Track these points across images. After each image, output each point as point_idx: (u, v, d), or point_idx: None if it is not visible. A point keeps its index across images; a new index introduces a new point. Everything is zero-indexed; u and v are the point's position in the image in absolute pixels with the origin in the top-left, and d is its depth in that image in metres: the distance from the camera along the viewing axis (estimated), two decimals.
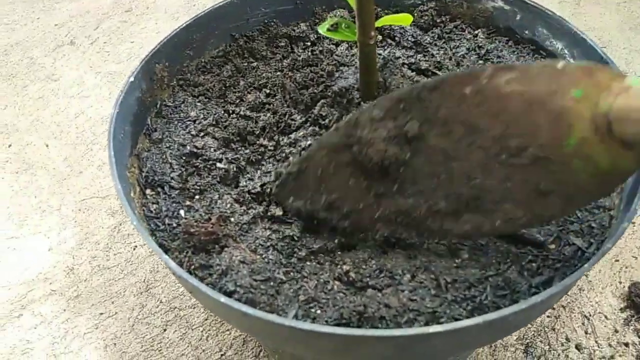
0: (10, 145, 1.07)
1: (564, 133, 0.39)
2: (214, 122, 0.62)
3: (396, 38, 0.72)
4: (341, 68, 0.58)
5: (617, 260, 0.83)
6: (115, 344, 0.78)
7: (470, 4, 0.70)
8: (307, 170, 0.49)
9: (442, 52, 0.69)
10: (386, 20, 0.52)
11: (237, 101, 0.65)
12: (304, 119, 0.56)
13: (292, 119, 0.57)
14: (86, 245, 0.90)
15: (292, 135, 0.55)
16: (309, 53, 0.63)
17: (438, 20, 0.72)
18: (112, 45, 1.27)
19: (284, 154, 0.55)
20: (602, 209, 0.51)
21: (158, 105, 0.64)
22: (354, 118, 0.45)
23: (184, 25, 0.65)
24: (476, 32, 0.70)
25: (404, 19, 0.51)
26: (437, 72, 0.61)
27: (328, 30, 0.50)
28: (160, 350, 0.77)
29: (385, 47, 0.70)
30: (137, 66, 0.61)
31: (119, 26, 1.32)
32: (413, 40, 0.71)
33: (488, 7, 0.69)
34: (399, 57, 0.63)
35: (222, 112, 0.64)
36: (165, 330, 0.79)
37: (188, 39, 0.67)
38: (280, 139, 0.57)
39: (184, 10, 1.34)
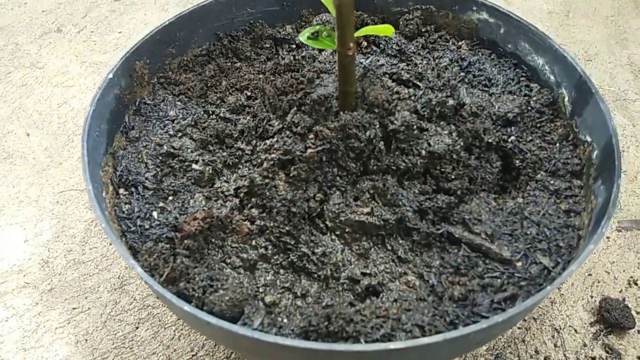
0: None
1: None
2: (192, 123, 0.62)
3: (381, 45, 0.72)
4: (322, 75, 0.58)
5: (589, 275, 0.84)
6: (86, 339, 0.78)
7: (455, 14, 0.71)
8: None
9: (425, 61, 0.69)
10: (367, 30, 0.52)
11: (218, 102, 0.65)
12: (281, 125, 0.56)
13: (270, 125, 0.57)
14: (62, 238, 0.90)
15: (268, 142, 0.55)
16: (292, 58, 0.63)
17: (423, 30, 0.72)
18: (99, 34, 1.26)
19: (259, 160, 0.55)
20: (572, 228, 0.51)
21: (137, 103, 0.64)
22: None
23: (167, 22, 0.65)
24: (460, 43, 0.71)
25: (385, 30, 0.51)
26: (418, 82, 0.61)
27: (308, 38, 0.50)
28: (131, 348, 0.77)
29: (369, 55, 0.70)
30: (117, 63, 0.60)
31: (107, 15, 1.31)
32: (397, 48, 0.71)
33: (473, 19, 0.69)
34: (382, 65, 0.63)
35: (202, 112, 0.64)
36: (137, 327, 0.79)
37: (171, 36, 0.67)
38: (258, 143, 0.57)
39: (174, 2, 1.34)
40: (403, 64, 0.69)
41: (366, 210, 0.51)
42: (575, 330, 0.78)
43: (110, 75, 0.58)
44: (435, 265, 0.50)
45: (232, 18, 0.70)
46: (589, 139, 0.57)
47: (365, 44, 0.73)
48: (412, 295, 0.48)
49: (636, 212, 0.91)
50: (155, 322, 0.78)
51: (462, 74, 0.67)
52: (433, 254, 0.51)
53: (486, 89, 0.65)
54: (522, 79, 0.66)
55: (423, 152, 0.53)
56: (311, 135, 0.52)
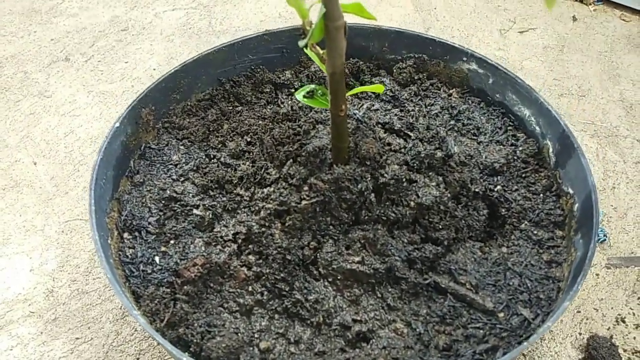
0: None
1: None
2: (194, 168, 0.65)
3: (375, 92, 0.76)
4: (318, 126, 0.62)
5: (578, 312, 0.86)
6: None
7: (447, 64, 0.74)
8: None
9: (417, 108, 0.72)
10: (359, 89, 0.55)
11: (219, 146, 0.68)
12: (278, 175, 0.59)
13: (268, 173, 0.60)
14: (67, 268, 0.92)
15: (266, 190, 0.58)
16: (290, 108, 0.66)
17: (416, 77, 0.75)
18: (106, 64, 1.30)
19: (257, 207, 0.58)
20: (552, 280, 0.54)
21: (142, 148, 0.67)
22: None
23: (173, 70, 0.69)
24: (451, 91, 0.74)
25: (376, 88, 0.55)
26: (409, 132, 0.64)
27: (304, 97, 0.54)
28: None
29: (364, 100, 0.74)
30: (124, 111, 0.63)
31: (114, 45, 1.34)
32: (391, 94, 0.74)
33: (463, 69, 0.73)
34: (377, 110, 0.67)
35: (204, 156, 0.67)
36: (138, 359, 0.81)
37: (176, 83, 0.70)
38: (256, 190, 0.60)
39: (180, 33, 1.38)
40: (396, 109, 0.73)
41: (357, 259, 0.55)
42: None
43: (117, 124, 0.61)
44: (423, 314, 0.53)
45: (234, 64, 0.73)
46: (571, 191, 0.60)
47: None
48: (400, 343, 0.51)
49: (625, 250, 0.93)
50: (156, 353, 0.81)
51: (452, 122, 0.70)
52: (421, 302, 0.54)
53: (475, 137, 0.68)
54: (509, 128, 0.69)
55: (412, 204, 0.56)
56: (306, 187, 0.55)
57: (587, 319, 0.86)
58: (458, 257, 0.56)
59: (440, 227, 0.57)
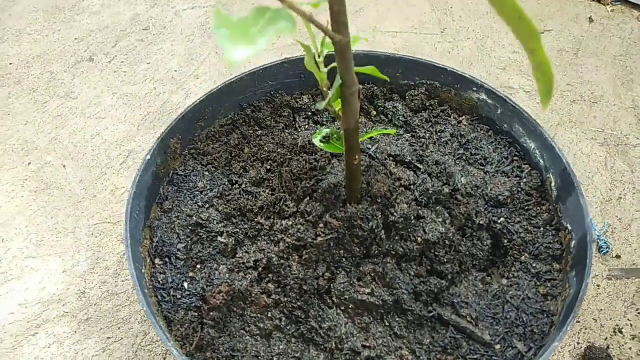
0: (29, 164, 1.16)
1: None
2: (218, 195, 0.71)
3: (389, 116, 0.80)
4: (333, 161, 0.67)
5: (578, 322, 0.92)
6: None
7: (458, 91, 0.78)
8: None
9: (428, 135, 0.77)
10: (371, 134, 0.60)
11: (241, 172, 0.74)
12: (295, 208, 0.65)
13: (287, 205, 0.66)
14: (97, 270, 1.00)
15: (284, 223, 0.64)
16: (306, 136, 0.71)
17: (427, 104, 0.80)
18: (129, 65, 1.35)
19: (276, 238, 0.64)
20: (546, 314, 0.59)
21: (170, 175, 0.73)
22: None
23: (198, 102, 0.74)
24: (461, 118, 0.78)
25: (389, 132, 0.60)
26: (419, 165, 0.69)
27: (321, 141, 0.59)
28: None
29: (378, 124, 0.78)
30: (154, 144, 0.69)
31: (137, 45, 1.39)
32: (404, 120, 0.79)
33: (473, 98, 0.77)
34: (387, 147, 0.71)
35: (227, 182, 0.73)
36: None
37: (201, 112, 0.75)
38: (276, 221, 0.66)
39: (199, 33, 1.41)
40: (408, 134, 0.78)
41: (368, 290, 0.60)
42: None
43: (149, 157, 0.67)
44: (426, 343, 0.59)
45: (254, 90, 0.78)
46: (569, 227, 0.64)
47: (374, 113, 0.81)
48: None
49: (627, 261, 0.98)
50: None
51: (461, 150, 0.74)
52: (425, 332, 0.60)
53: (482, 167, 0.72)
54: (515, 158, 0.73)
55: (419, 240, 0.61)
56: (321, 225, 0.60)
57: (586, 329, 0.91)
58: (461, 290, 0.61)
59: (445, 260, 0.62)
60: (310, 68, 0.50)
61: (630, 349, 0.89)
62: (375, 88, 0.81)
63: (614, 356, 0.88)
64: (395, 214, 0.61)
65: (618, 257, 0.98)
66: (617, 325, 0.91)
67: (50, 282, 0.98)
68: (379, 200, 0.62)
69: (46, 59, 1.37)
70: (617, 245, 1.00)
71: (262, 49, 0.29)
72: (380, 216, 0.61)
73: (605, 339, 0.90)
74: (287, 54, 1.36)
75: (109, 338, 0.92)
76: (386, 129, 0.77)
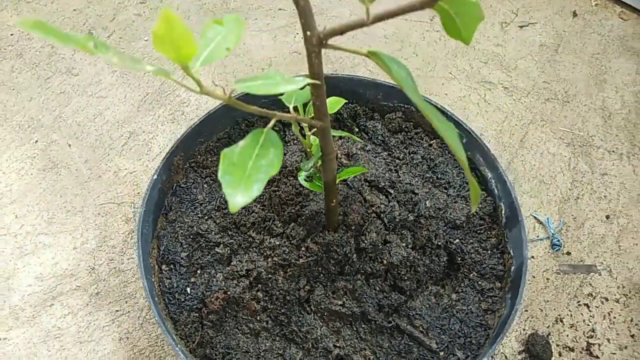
0: (36, 141, 1.27)
1: None
2: (216, 208, 0.84)
3: (369, 133, 0.92)
4: None
5: (526, 311, 1.08)
6: (127, 337, 1.04)
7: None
8: None
9: (402, 155, 0.89)
10: (347, 172, 0.72)
11: None
12: (282, 229, 0.78)
13: (275, 224, 0.79)
14: (104, 248, 1.13)
15: (272, 240, 0.77)
16: (295, 163, 0.83)
17: (404, 126, 0.91)
18: (127, 41, 1.42)
19: (266, 253, 0.77)
20: (484, 327, 0.75)
21: (174, 187, 0.85)
22: None
23: (198, 121, 0.84)
24: (432, 141, 0.90)
25: (360, 170, 0.72)
26: (390, 190, 0.82)
27: (305, 180, 0.71)
28: (162, 347, 1.03)
29: (355, 144, 0.90)
30: (159, 164, 0.81)
31: (134, 20, 1.46)
32: (382, 139, 0.91)
33: None
34: (369, 151, 0.83)
35: (224, 194, 0.85)
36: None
37: (201, 129, 0.86)
38: (265, 237, 0.79)
39: (195, 9, 1.48)
40: (385, 152, 0.90)
41: (340, 302, 0.75)
42: (506, 357, 1.03)
43: (155, 176, 0.78)
44: (385, 347, 0.74)
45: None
46: (512, 252, 0.78)
47: (357, 129, 0.93)
48: None
49: (576, 258, 1.13)
50: None
51: (429, 173, 0.87)
52: (384, 338, 0.75)
53: (445, 190, 0.85)
54: None
55: (384, 261, 0.75)
56: (303, 248, 0.74)
57: (531, 317, 1.07)
58: (416, 303, 0.76)
59: (405, 278, 0.76)
60: (296, 133, 0.62)
61: (567, 335, 1.06)
62: (358, 107, 0.92)
63: (552, 342, 1.05)
64: (365, 241, 0.74)
65: (568, 253, 1.13)
66: (559, 315, 1.07)
67: (62, 257, 1.12)
68: (353, 228, 0.75)
69: None
70: (569, 242, 1.14)
71: (257, 194, 0.40)
72: (353, 242, 0.74)
73: (547, 327, 1.06)
74: (281, 35, 1.44)
75: (117, 311, 1.07)
76: (366, 142, 0.88)
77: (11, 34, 1.44)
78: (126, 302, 1.08)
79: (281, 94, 0.58)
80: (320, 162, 0.63)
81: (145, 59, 1.38)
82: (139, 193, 1.18)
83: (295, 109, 0.62)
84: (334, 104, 0.67)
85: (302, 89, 0.51)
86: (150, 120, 1.29)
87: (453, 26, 0.49)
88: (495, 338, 0.69)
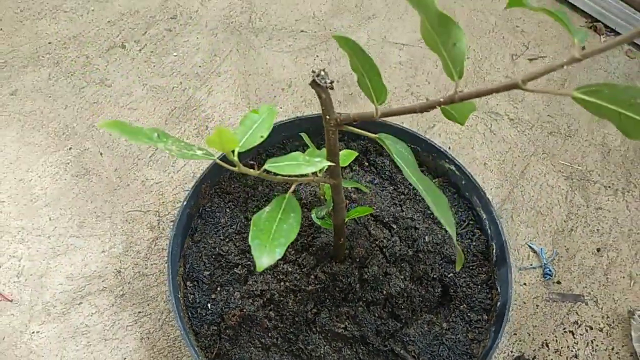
0: (70, 148, 1.38)
1: None
2: (237, 231, 0.94)
3: (378, 168, 1.02)
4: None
5: (515, 334, 1.18)
6: (148, 337, 1.16)
7: (434, 158, 0.99)
8: None
9: (406, 190, 0.99)
10: (356, 212, 0.82)
11: (255, 210, 0.97)
12: (294, 257, 0.88)
13: (288, 251, 0.89)
14: (130, 253, 1.25)
15: (285, 267, 0.88)
16: (308, 194, 0.94)
17: None
18: (158, 55, 1.53)
19: (279, 277, 0.88)
20: (469, 356, 0.85)
21: (199, 210, 0.96)
22: None
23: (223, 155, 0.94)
24: (435, 180, 1.00)
25: (365, 210, 0.82)
26: (394, 225, 0.92)
27: (317, 218, 0.81)
28: (180, 348, 1.14)
29: (368, 174, 1.00)
30: (189, 191, 0.91)
31: (165, 35, 1.56)
32: (389, 174, 1.01)
33: (445, 166, 0.98)
34: (377, 184, 0.93)
35: (244, 219, 0.96)
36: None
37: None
38: (279, 262, 0.90)
39: (222, 27, 1.58)
40: (392, 187, 1.00)
41: (342, 325, 0.85)
42: None
43: (185, 202, 0.89)
44: None
45: (270, 140, 0.99)
46: (499, 289, 0.88)
47: (367, 164, 1.03)
48: None
49: (565, 287, 1.22)
50: None
51: (429, 210, 0.97)
52: (380, 359, 0.86)
53: (444, 227, 0.95)
54: (470, 222, 0.96)
55: (384, 292, 0.86)
56: (312, 276, 0.84)
57: (520, 341, 1.18)
58: (411, 330, 0.86)
59: (402, 307, 0.87)
60: (325, 192, 0.72)
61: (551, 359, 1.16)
62: (369, 145, 1.02)
63: None
64: (368, 273, 0.85)
65: (559, 282, 1.23)
66: (546, 340, 1.18)
67: (91, 260, 1.24)
68: (358, 260, 0.85)
69: (81, 40, 1.55)
70: (560, 272, 1.24)
71: (279, 257, 0.51)
72: (357, 273, 0.85)
73: (534, 350, 1.16)
74: (302, 57, 1.53)
75: (139, 312, 1.18)
76: (374, 177, 0.99)
77: (49, 43, 1.55)
78: (148, 305, 1.19)
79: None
80: (331, 208, 0.74)
81: (173, 74, 1.49)
82: (163, 202, 1.29)
83: None
84: (347, 157, 0.78)
85: (319, 171, 0.61)
86: (176, 134, 1.39)
87: (450, 115, 0.59)
88: None
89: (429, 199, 0.55)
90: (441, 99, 0.52)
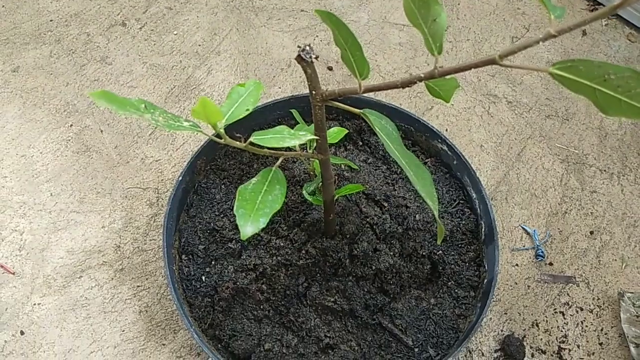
0: (71, 125, 1.41)
1: None
2: (231, 207, 0.97)
3: (371, 148, 1.04)
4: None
5: (505, 313, 1.21)
6: (146, 310, 1.19)
7: (427, 138, 1.01)
8: None
9: (399, 170, 1.01)
10: (346, 189, 0.85)
11: None
12: (286, 232, 0.91)
13: (281, 227, 0.92)
14: (129, 229, 1.28)
15: (278, 242, 0.91)
16: (301, 172, 0.96)
17: (404, 143, 1.03)
18: (158, 34, 1.55)
19: (271, 252, 0.91)
20: (455, 330, 0.88)
21: (195, 186, 0.99)
22: None
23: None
24: (427, 160, 1.02)
25: (357, 187, 0.85)
26: (385, 203, 0.95)
27: (308, 194, 0.84)
28: (176, 321, 1.18)
29: (362, 152, 1.03)
30: (184, 167, 0.94)
31: (165, 13, 1.58)
32: (382, 154, 1.03)
33: (437, 146, 1.00)
34: (370, 163, 0.96)
35: None
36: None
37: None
38: (272, 237, 0.93)
39: (223, 5, 1.60)
40: (385, 166, 1.02)
41: (332, 299, 0.89)
42: (483, 354, 1.17)
43: (180, 178, 0.92)
44: (368, 340, 0.88)
45: (266, 117, 1.02)
46: (486, 266, 0.91)
47: (360, 143, 1.05)
48: (352, 356, 0.87)
49: (557, 268, 1.25)
50: None
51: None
52: (368, 332, 0.89)
53: None
54: (461, 201, 0.99)
55: (373, 267, 0.89)
56: (304, 251, 0.87)
57: (510, 320, 1.21)
58: (399, 305, 0.89)
59: (391, 282, 0.90)
60: (314, 165, 0.75)
61: (540, 339, 1.19)
62: (364, 124, 1.04)
63: (527, 344, 1.18)
64: (358, 249, 0.88)
65: (550, 264, 1.25)
66: (536, 320, 1.20)
67: (91, 234, 1.27)
68: (348, 236, 0.88)
69: (83, 18, 1.57)
70: (552, 254, 1.26)
71: (263, 226, 0.54)
72: (347, 249, 0.88)
73: (524, 330, 1.19)
74: (301, 36, 1.55)
75: (138, 286, 1.22)
76: (368, 156, 1.01)
77: (51, 20, 1.57)
78: (147, 279, 1.23)
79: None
80: (321, 184, 0.76)
81: (173, 52, 1.51)
82: (162, 180, 1.32)
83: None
84: (337, 134, 0.80)
85: (310, 147, 0.63)
86: (176, 112, 1.42)
87: (435, 92, 0.61)
88: (462, 340, 0.83)
89: (411, 173, 0.58)
90: (422, 74, 0.54)
